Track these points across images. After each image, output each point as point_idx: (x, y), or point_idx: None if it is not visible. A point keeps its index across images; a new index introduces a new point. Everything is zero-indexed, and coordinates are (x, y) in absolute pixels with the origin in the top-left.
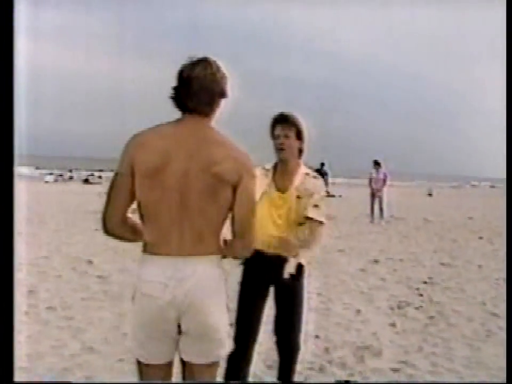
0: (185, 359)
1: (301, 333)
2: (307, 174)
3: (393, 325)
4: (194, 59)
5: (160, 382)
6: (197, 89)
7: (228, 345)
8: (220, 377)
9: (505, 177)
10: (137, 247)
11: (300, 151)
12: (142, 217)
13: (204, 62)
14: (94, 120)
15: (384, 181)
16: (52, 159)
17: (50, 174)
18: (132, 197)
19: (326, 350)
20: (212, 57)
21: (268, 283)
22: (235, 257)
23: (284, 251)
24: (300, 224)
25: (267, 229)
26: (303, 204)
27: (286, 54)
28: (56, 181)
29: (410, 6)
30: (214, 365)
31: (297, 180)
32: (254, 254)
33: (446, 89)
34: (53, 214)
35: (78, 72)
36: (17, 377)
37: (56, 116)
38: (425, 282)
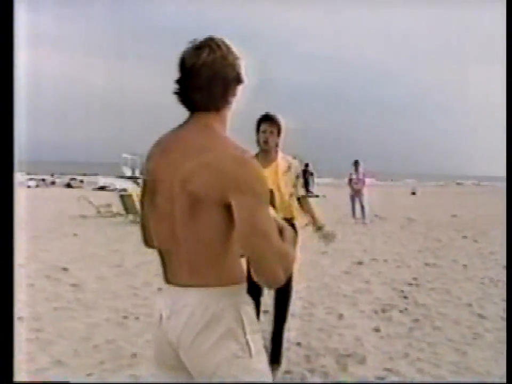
0: None
1: (292, 282)
2: (283, 157)
3: (377, 329)
4: (197, 42)
5: (160, 382)
6: (206, 79)
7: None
8: None
9: (490, 175)
10: (114, 254)
11: (277, 144)
12: None
13: (210, 44)
14: (90, 126)
15: (364, 181)
16: (39, 164)
17: (32, 179)
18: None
19: (308, 358)
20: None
21: None
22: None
23: (287, 214)
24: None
25: None
26: (289, 176)
27: (281, 56)
28: (37, 186)
29: (410, 11)
30: None
31: (281, 160)
32: None
33: (434, 88)
34: (32, 219)
35: (77, 78)
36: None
37: (48, 121)
38: (410, 284)
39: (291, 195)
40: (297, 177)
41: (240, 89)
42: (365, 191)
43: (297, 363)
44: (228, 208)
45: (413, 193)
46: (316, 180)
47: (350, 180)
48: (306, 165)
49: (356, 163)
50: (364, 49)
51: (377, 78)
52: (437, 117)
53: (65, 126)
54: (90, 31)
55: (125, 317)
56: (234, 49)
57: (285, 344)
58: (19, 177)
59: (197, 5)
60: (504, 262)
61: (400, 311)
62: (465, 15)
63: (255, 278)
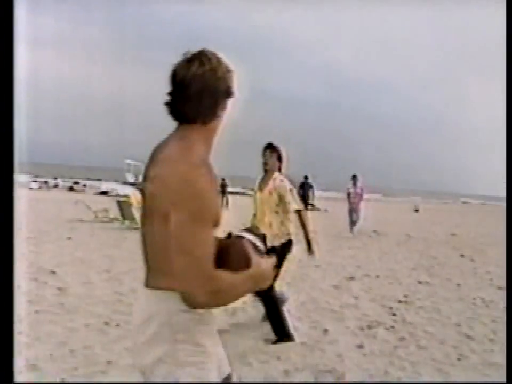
0: None
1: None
2: (275, 178)
3: (360, 346)
4: (189, 55)
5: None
6: (195, 91)
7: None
8: None
9: (497, 194)
10: (105, 259)
11: (279, 168)
12: None
13: (201, 56)
14: (92, 130)
15: (361, 195)
16: (43, 166)
17: (35, 181)
18: None
19: (286, 372)
20: (210, 49)
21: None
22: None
23: (269, 231)
24: (276, 212)
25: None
26: (273, 196)
27: (281, 68)
28: (40, 188)
29: (409, 21)
30: None
31: (270, 182)
32: None
33: (442, 104)
34: (29, 221)
35: (77, 81)
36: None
37: (52, 124)
38: (399, 301)
39: (276, 212)
40: (281, 196)
41: (230, 102)
42: (362, 205)
43: (274, 377)
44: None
45: (416, 210)
46: (321, 193)
47: (348, 194)
48: (306, 178)
49: (354, 177)
50: (379, 63)
51: (379, 91)
52: (445, 132)
53: (71, 130)
54: (91, 32)
55: (106, 323)
56: (226, 62)
57: (264, 356)
58: (21, 178)
59: (197, 9)
60: (499, 283)
61: (386, 329)
62: (467, 26)
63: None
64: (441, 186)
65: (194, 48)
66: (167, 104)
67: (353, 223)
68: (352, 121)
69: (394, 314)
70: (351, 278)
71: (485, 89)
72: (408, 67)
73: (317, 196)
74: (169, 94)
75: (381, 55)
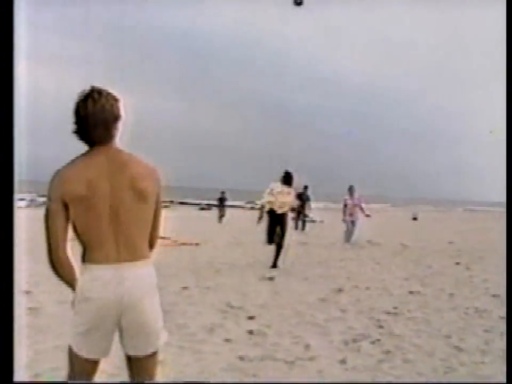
0: (130, 353)
1: (285, 236)
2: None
3: (343, 361)
4: (85, 92)
5: (162, 382)
6: (94, 124)
7: (163, 336)
8: None
9: (501, 200)
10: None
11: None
12: (79, 237)
13: (92, 94)
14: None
15: (360, 207)
16: (33, 184)
17: (22, 199)
18: (67, 226)
19: None
20: (98, 86)
21: (277, 221)
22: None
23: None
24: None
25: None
26: (285, 195)
27: (281, 78)
28: (28, 206)
29: (409, 30)
30: (155, 354)
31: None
32: (272, 211)
33: (443, 111)
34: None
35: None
36: None
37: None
38: (388, 313)
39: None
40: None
41: (121, 124)
42: (359, 216)
43: None
44: (155, 201)
45: (414, 219)
46: (317, 204)
47: (345, 205)
48: (305, 187)
49: (351, 188)
50: (380, 73)
51: (381, 100)
52: (454, 143)
53: (64, 146)
54: (91, 49)
55: None
56: (113, 93)
57: (239, 375)
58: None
59: (197, 13)
60: (495, 291)
61: (372, 342)
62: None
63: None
64: (442, 192)
65: (192, 61)
66: (75, 132)
67: (349, 234)
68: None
69: (381, 327)
70: (340, 290)
71: (491, 95)
72: (412, 71)
73: (315, 207)
74: (75, 123)
75: (381, 64)
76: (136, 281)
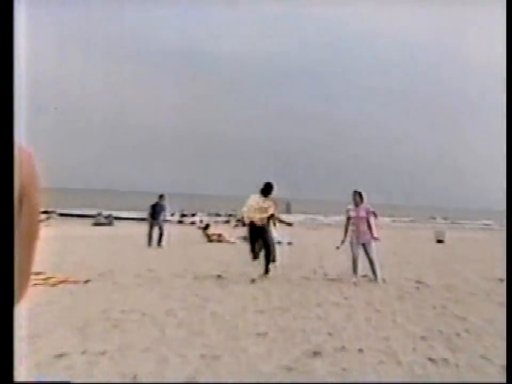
0: None
1: (273, 251)
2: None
3: None
4: None
5: (162, 382)
6: None
7: None
8: None
9: None
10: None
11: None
12: None
13: None
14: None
15: (368, 220)
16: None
17: None
18: None
19: None
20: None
21: (258, 234)
22: None
23: (262, 223)
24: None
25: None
26: (265, 205)
27: (281, 83)
28: None
29: (409, 41)
30: None
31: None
32: (252, 224)
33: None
34: None
35: (76, 102)
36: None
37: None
38: None
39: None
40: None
41: None
42: (369, 237)
43: None
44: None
45: (439, 241)
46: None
47: (348, 219)
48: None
49: (355, 194)
50: (382, 80)
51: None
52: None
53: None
54: (89, 65)
55: None
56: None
57: None
58: None
59: (197, 14)
60: None
61: None
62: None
63: None
64: (471, 202)
65: (194, 65)
66: None
67: (356, 263)
68: (349, 136)
69: None
70: (315, 354)
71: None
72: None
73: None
74: None
75: (382, 71)
76: None
